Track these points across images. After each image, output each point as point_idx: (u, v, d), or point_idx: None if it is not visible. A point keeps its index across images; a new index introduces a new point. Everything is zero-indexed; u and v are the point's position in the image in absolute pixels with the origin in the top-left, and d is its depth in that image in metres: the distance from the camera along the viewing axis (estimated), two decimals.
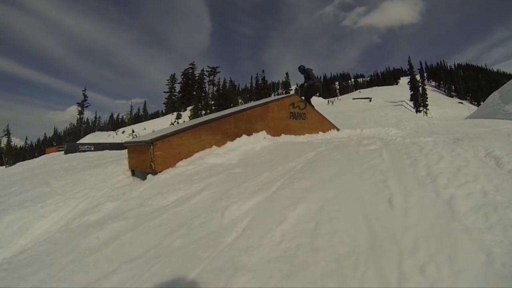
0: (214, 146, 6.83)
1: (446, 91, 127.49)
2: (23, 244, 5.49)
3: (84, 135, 52.46)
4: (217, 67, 64.78)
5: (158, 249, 3.07)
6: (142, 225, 3.78)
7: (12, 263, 4.19)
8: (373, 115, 47.67)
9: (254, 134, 7.88)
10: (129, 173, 7.27)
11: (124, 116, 74.21)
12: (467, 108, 78.73)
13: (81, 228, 4.68)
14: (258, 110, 8.48)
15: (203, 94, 64.20)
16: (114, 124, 71.79)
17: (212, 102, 51.28)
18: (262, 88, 71.12)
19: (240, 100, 57.25)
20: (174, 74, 71.25)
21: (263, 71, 73.85)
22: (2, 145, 52.73)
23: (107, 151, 21.46)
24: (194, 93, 64.76)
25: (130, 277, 2.67)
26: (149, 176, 5.96)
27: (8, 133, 49.67)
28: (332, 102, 79.42)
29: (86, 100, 61.07)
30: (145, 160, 6.33)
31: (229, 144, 7.01)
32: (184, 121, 49.62)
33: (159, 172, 5.98)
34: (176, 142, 6.32)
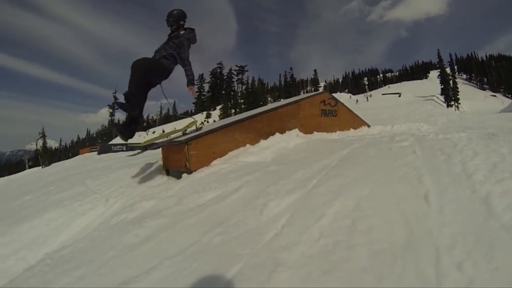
0: (248, 145, 6.89)
1: (478, 83, 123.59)
2: (62, 241, 5.70)
3: (116, 136, 53.68)
4: (245, 66, 65.17)
5: (197, 246, 3.11)
6: (180, 223, 3.84)
7: (54, 259, 4.32)
8: (403, 111, 46.97)
9: (287, 132, 7.88)
10: (164, 172, 7.36)
11: (154, 117, 75.63)
12: (501, 101, 76.33)
13: (119, 225, 4.80)
14: (290, 108, 8.48)
15: (232, 93, 64.51)
16: (145, 125, 73.37)
17: (242, 101, 51.59)
18: (290, 86, 70.75)
19: (269, 98, 57.16)
20: (202, 74, 71.84)
21: (291, 68, 73.84)
22: (38, 147, 54.68)
23: (138, 150, 21.95)
24: (223, 92, 65.09)
25: (171, 273, 2.72)
26: (184, 175, 6.02)
27: (43, 136, 51.37)
28: (367, 98, 78.03)
29: (117, 101, 62.85)
30: (179, 160, 6.40)
31: (262, 142, 7.05)
32: (214, 121, 50.14)
33: (194, 171, 6.04)
34: (210, 141, 6.39)
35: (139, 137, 51.30)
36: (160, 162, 8.41)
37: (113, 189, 7.49)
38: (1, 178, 31.68)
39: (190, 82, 6.32)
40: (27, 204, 9.24)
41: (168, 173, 7.25)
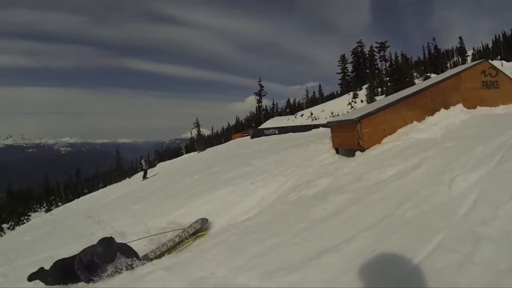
0: (414, 122, 6.75)
1: None
2: (237, 214, 6.24)
3: (264, 121, 56.09)
4: (385, 42, 61.33)
5: (390, 219, 3.15)
6: (366, 198, 3.92)
7: (240, 229, 4.77)
8: None
9: (451, 107, 7.56)
10: (333, 151, 7.50)
11: (301, 100, 76.75)
12: None
13: (301, 201, 5.06)
14: (450, 82, 7.97)
15: (376, 71, 61.62)
16: (292, 109, 74.76)
17: (387, 79, 49.13)
18: (436, 58, 64.33)
19: (415, 74, 53.24)
20: (344, 54, 69.72)
21: (433, 39, 66.44)
22: (193, 135, 60.64)
23: (291, 133, 22.51)
24: (367, 71, 62.62)
25: (371, 244, 2.79)
26: (358, 153, 6.10)
27: (198, 125, 56.46)
28: None
29: (263, 89, 65.52)
30: (351, 138, 6.49)
31: (429, 118, 6.85)
32: (361, 101, 48.97)
33: (367, 148, 6.09)
34: (380, 119, 6.40)
35: (288, 121, 52.72)
36: (322, 142, 8.58)
37: (282, 168, 7.88)
38: (164, 162, 36.30)
39: None
40: (196, 183, 10.31)
41: (337, 151, 7.38)
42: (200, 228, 5.62)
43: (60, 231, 10.66)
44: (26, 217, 44.69)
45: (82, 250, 4.68)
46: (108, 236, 5.05)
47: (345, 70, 69.69)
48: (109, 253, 4.44)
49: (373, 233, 2.97)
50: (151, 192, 12.70)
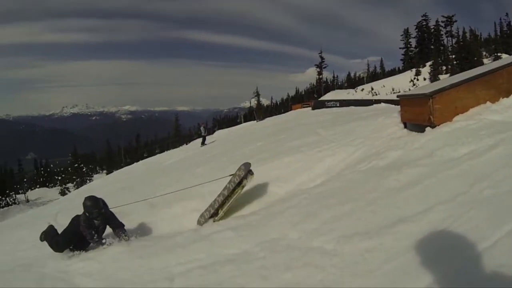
0: (488, 102, 6.47)
1: None
2: (305, 180, 6.40)
3: (324, 94, 55.26)
4: (452, 16, 56.64)
5: (466, 196, 3.16)
6: (441, 173, 3.93)
7: (311, 194, 4.92)
8: None
9: None
10: (401, 125, 7.45)
11: (361, 74, 74.37)
12: None
13: (372, 171, 5.14)
14: None
15: (441, 47, 57.60)
16: (352, 82, 72.92)
17: (453, 56, 46.18)
18: (508, 36, 58.05)
19: (484, 53, 49.53)
20: (407, 28, 65.41)
21: (506, 14, 60.20)
22: (252, 104, 61.22)
23: (353, 107, 22.27)
24: (432, 47, 58.72)
25: (448, 217, 2.86)
26: (428, 128, 6.04)
27: (257, 95, 56.83)
28: None
29: (323, 61, 64.09)
30: (422, 113, 6.42)
31: (504, 100, 6.51)
32: (424, 79, 46.66)
33: (438, 125, 6.02)
34: (453, 96, 6.26)
35: (348, 94, 51.60)
36: (390, 116, 8.50)
37: (350, 138, 7.93)
38: (221, 130, 37.55)
39: None
40: (262, 149, 10.54)
41: (405, 126, 7.33)
42: (245, 175, 5.63)
43: (120, 190, 11.33)
44: (89, 178, 48.14)
45: (75, 216, 5.37)
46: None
47: (408, 45, 65.69)
48: (96, 203, 5.02)
49: (449, 207, 3.05)
50: (213, 157, 13.03)
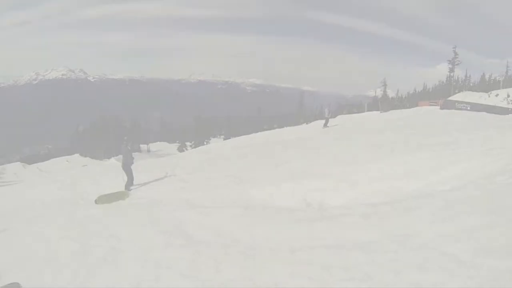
0: None
1: None
2: (433, 181, 6.30)
3: (454, 94, 51.64)
4: None
5: None
6: None
7: (447, 197, 4.90)
8: None
9: None
10: None
11: (498, 77, 66.99)
12: None
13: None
14: None
15: None
16: (486, 85, 66.31)
17: None
18: None
19: None
20: None
21: None
22: (377, 94, 59.82)
23: (485, 113, 20.95)
24: None
25: None
26: None
27: (384, 85, 55.22)
28: None
29: (457, 57, 59.68)
30: None
31: None
32: None
33: None
34: None
35: (479, 98, 47.93)
36: None
37: (488, 147, 7.60)
38: (344, 115, 35.85)
39: None
40: (389, 140, 10.40)
41: None
42: None
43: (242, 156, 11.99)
44: (207, 141, 52.43)
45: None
46: None
47: None
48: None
49: None
50: (337, 141, 12.94)
